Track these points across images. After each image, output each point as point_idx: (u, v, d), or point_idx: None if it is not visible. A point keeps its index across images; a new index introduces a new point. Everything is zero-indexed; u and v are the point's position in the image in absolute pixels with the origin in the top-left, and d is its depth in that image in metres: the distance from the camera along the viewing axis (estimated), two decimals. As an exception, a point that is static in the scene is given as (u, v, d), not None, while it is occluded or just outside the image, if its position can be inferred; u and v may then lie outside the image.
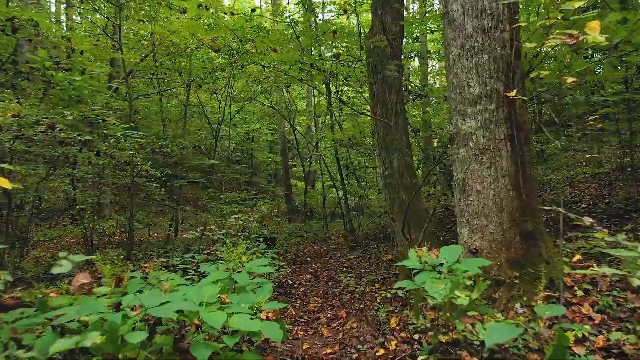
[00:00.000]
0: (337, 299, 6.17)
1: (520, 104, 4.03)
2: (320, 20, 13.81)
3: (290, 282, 7.21)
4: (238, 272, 3.80)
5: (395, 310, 4.82)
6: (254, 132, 22.20)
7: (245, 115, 22.03)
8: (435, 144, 15.32)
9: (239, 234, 6.13)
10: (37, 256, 10.59)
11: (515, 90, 3.87)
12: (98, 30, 13.79)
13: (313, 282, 7.36)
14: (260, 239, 6.83)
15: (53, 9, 20.21)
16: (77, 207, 8.39)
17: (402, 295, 4.97)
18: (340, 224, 17.01)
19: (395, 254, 8.13)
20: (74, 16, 20.22)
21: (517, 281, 3.85)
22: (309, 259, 9.77)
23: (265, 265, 3.94)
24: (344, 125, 13.25)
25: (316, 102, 17.07)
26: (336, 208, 17.80)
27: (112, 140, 5.48)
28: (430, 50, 10.37)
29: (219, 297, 3.08)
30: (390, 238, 11.04)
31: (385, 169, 6.39)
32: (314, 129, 18.46)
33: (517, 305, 3.60)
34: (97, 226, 12.00)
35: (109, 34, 11.17)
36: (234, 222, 6.81)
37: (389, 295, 4.85)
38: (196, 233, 6.03)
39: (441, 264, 3.03)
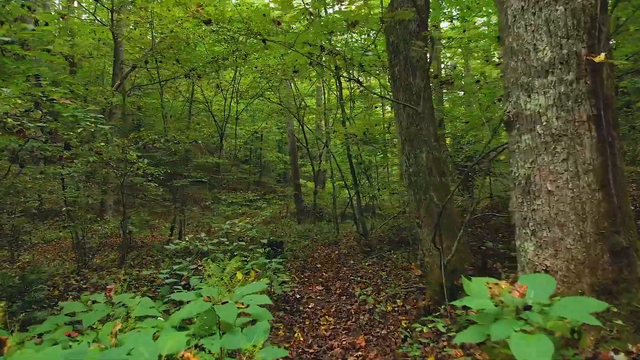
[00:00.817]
0: (353, 319, 5.03)
1: (608, 73, 2.87)
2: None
3: (298, 296, 6.08)
4: (223, 303, 2.67)
5: (430, 344, 3.66)
6: (262, 130, 21.08)
7: (254, 114, 20.93)
8: (448, 142, 14.04)
9: (234, 243, 5.01)
10: (29, 261, 9.58)
11: (603, 54, 2.72)
12: (99, 24, 12.82)
13: (324, 296, 6.22)
14: (259, 245, 5.72)
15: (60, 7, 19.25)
16: (64, 208, 7.33)
17: (442, 330, 3.79)
18: (350, 225, 15.84)
19: (420, 264, 6.97)
20: (83, 15, 19.33)
21: (609, 317, 2.68)
22: (319, 265, 8.63)
23: (261, 293, 2.81)
24: (356, 122, 12.06)
25: (326, 97, 15.93)
26: (346, 208, 16.66)
27: (79, 130, 4.42)
28: (451, 37, 9.16)
29: (183, 355, 1.96)
30: (408, 242, 9.87)
31: (410, 166, 5.23)
32: (324, 127, 17.32)
33: (620, 357, 2.42)
34: (100, 227, 10.98)
35: (109, 27, 10.19)
36: (230, 229, 5.68)
37: (425, 330, 3.70)
38: (182, 242, 4.93)
39: (527, 307, 1.87)
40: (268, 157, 25.26)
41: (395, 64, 5.48)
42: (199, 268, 4.45)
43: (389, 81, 7.53)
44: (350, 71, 6.82)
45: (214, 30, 10.43)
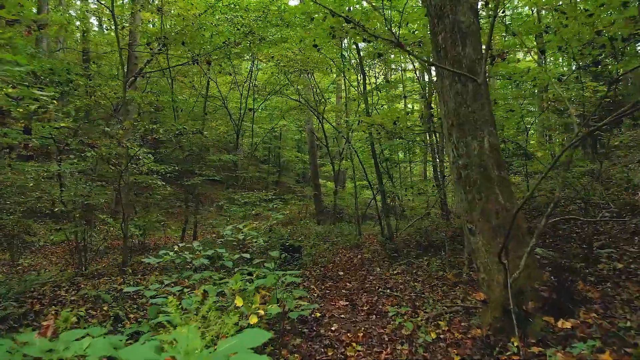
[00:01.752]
0: (389, 350, 3.84)
1: None
2: None
3: (319, 315, 4.92)
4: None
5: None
6: (280, 128, 20.00)
7: (271, 112, 19.88)
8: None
9: (235, 256, 3.87)
10: (30, 265, 8.67)
11: None
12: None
13: (349, 314, 5.05)
14: (268, 260, 4.57)
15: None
16: (57, 209, 6.35)
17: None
18: (371, 226, 14.61)
19: (460, 273, 5.75)
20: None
21: None
22: (341, 273, 7.46)
23: (262, 350, 1.68)
24: (381, 113, 10.83)
25: (347, 89, 14.72)
26: (367, 209, 15.49)
27: (34, 107, 3.35)
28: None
29: None
30: (439, 247, 8.62)
31: (459, 157, 4.02)
32: (344, 125, 16.16)
33: None
34: (112, 229, 10.02)
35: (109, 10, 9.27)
36: (230, 236, 4.54)
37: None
38: (170, 254, 3.84)
39: None
40: (287, 157, 24.21)
41: (440, 30, 4.28)
42: (188, 289, 3.34)
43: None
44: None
45: (229, 19, 9.42)
